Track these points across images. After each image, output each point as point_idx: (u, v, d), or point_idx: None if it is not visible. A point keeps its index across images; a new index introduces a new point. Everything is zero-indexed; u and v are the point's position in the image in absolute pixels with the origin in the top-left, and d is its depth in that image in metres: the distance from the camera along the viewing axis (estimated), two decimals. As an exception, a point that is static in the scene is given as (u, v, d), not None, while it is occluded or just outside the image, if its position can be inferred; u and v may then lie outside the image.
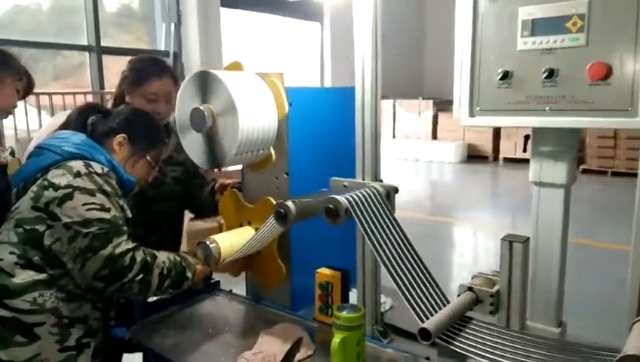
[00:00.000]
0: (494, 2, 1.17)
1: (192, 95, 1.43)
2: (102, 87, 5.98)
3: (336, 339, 1.22)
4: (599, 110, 1.08)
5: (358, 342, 1.25)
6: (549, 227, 1.26)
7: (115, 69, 6.05)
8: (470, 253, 5.00)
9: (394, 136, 10.89)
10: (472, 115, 1.23)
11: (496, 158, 9.95)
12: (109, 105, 2.00)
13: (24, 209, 1.33)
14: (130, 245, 1.33)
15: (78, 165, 1.35)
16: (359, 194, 1.22)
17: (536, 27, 1.12)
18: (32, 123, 5.42)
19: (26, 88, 1.74)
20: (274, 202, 1.51)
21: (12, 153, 5.57)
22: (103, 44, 6.07)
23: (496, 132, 9.76)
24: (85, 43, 6.04)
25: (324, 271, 1.52)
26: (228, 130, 1.37)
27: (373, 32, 1.30)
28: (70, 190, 1.30)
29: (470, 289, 1.21)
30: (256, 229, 1.55)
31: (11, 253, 1.31)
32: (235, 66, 1.51)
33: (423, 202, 6.76)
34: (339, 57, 9.52)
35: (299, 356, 1.36)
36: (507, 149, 9.75)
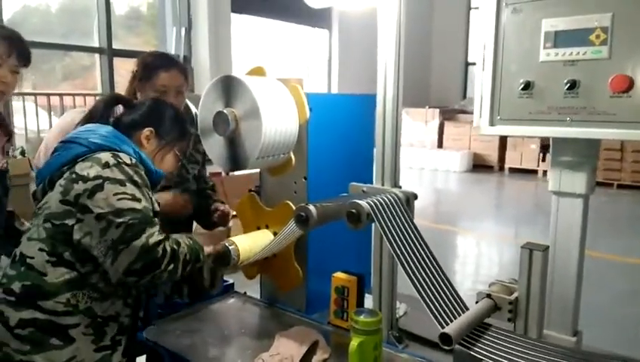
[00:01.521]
0: (517, 14, 1.19)
1: (215, 99, 1.45)
2: (112, 88, 6.02)
3: (354, 343, 1.23)
4: (620, 122, 1.10)
5: (375, 347, 1.26)
6: (567, 236, 1.28)
7: (123, 71, 6.10)
8: (473, 262, 5.00)
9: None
10: (492, 123, 1.25)
11: (501, 168, 9.94)
12: None
13: (53, 204, 1.30)
14: (162, 236, 1.30)
15: (106, 156, 1.31)
16: (380, 200, 1.24)
17: (559, 39, 1.14)
18: (42, 123, 5.46)
19: (19, 55, 1.55)
20: (292, 206, 1.52)
21: (22, 153, 5.58)
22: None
23: (502, 142, 9.75)
24: (95, 45, 6.09)
25: (340, 275, 1.54)
26: (251, 133, 1.39)
27: (396, 41, 1.32)
28: (100, 181, 1.26)
29: (489, 296, 1.23)
30: (274, 233, 1.57)
31: (41, 249, 1.29)
32: (258, 71, 1.54)
33: (427, 210, 6.76)
34: (346, 64, 9.56)
35: (315, 359, 1.37)
36: (513, 159, 9.74)
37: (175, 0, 6.75)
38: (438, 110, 10.63)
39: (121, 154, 1.34)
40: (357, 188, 1.44)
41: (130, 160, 1.34)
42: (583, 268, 1.29)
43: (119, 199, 1.25)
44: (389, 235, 1.19)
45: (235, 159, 1.45)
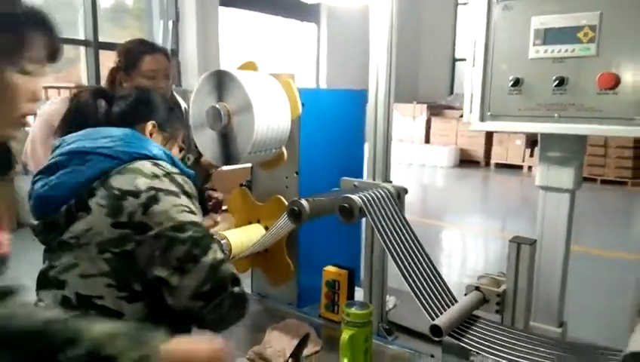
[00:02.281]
0: (508, 11, 1.21)
1: (207, 93, 1.45)
2: (98, 82, 5.96)
3: (345, 335, 1.25)
4: (607, 118, 1.13)
5: (365, 339, 1.28)
6: (554, 230, 1.31)
7: (109, 64, 6.04)
8: (460, 256, 5.06)
9: (387, 139, 10.92)
10: (482, 119, 1.28)
11: (487, 163, 10.03)
12: None
13: (103, 229, 1.08)
14: (224, 254, 1.15)
15: (147, 166, 1.13)
16: (372, 194, 1.26)
17: (548, 36, 1.16)
18: (27, 116, 5.38)
19: None
20: (284, 201, 1.53)
21: (7, 146, 5.51)
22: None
23: (489, 137, 9.84)
24: (80, 37, 6.03)
25: (331, 269, 1.55)
26: (243, 128, 1.40)
27: (389, 36, 1.34)
28: (153, 192, 1.08)
29: (477, 288, 1.25)
30: (266, 227, 1.58)
31: (109, 285, 1.07)
32: (250, 66, 1.54)
33: (415, 205, 6.80)
34: (334, 58, 9.56)
35: (307, 351, 1.38)
36: (499, 155, 9.84)
37: (162, -8, 6.69)
38: (425, 105, 10.68)
39: (160, 162, 1.17)
40: (349, 182, 1.46)
41: (173, 168, 1.19)
42: (568, 261, 1.33)
43: (179, 211, 1.09)
44: (381, 229, 1.21)
45: (228, 154, 1.45)
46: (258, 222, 1.64)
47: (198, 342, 0.96)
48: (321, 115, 1.62)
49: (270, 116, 1.42)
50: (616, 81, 1.10)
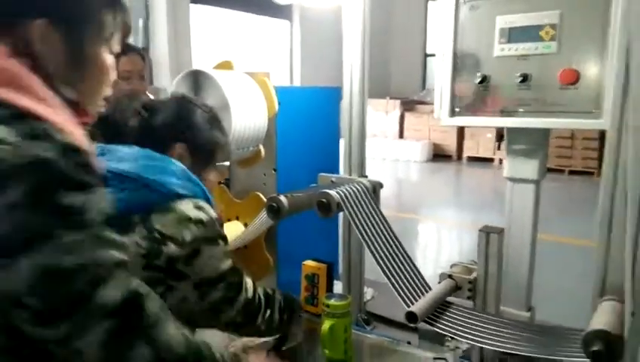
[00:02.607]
0: (474, 11, 1.27)
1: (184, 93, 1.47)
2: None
3: (326, 326, 1.28)
4: (568, 112, 1.20)
5: (345, 329, 1.32)
6: (521, 219, 1.37)
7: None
8: (434, 248, 5.16)
9: (361, 135, 10.97)
10: (452, 115, 1.33)
11: (459, 157, 10.20)
12: None
13: (132, 268, 0.99)
14: (253, 284, 1.22)
15: (190, 210, 1.07)
16: (349, 189, 1.30)
17: (513, 35, 1.22)
18: None
19: None
20: (262, 197, 1.56)
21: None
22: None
23: (460, 132, 10.00)
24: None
25: (310, 263, 1.58)
26: (220, 127, 1.42)
27: (362, 34, 1.38)
28: (197, 244, 1.07)
29: (450, 276, 1.31)
30: (245, 224, 1.61)
31: None
32: (226, 65, 1.56)
33: (390, 199, 6.89)
34: (308, 55, 9.56)
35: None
36: (470, 148, 10.01)
37: (132, -10, 6.59)
38: (398, 101, 10.77)
39: (202, 204, 1.11)
40: (326, 178, 1.49)
41: (211, 209, 1.15)
42: (535, 248, 1.39)
43: (220, 261, 1.12)
44: (358, 223, 1.25)
45: (206, 152, 1.47)
46: (237, 219, 1.66)
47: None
48: (297, 112, 1.66)
49: (247, 115, 1.45)
50: (576, 77, 1.17)
